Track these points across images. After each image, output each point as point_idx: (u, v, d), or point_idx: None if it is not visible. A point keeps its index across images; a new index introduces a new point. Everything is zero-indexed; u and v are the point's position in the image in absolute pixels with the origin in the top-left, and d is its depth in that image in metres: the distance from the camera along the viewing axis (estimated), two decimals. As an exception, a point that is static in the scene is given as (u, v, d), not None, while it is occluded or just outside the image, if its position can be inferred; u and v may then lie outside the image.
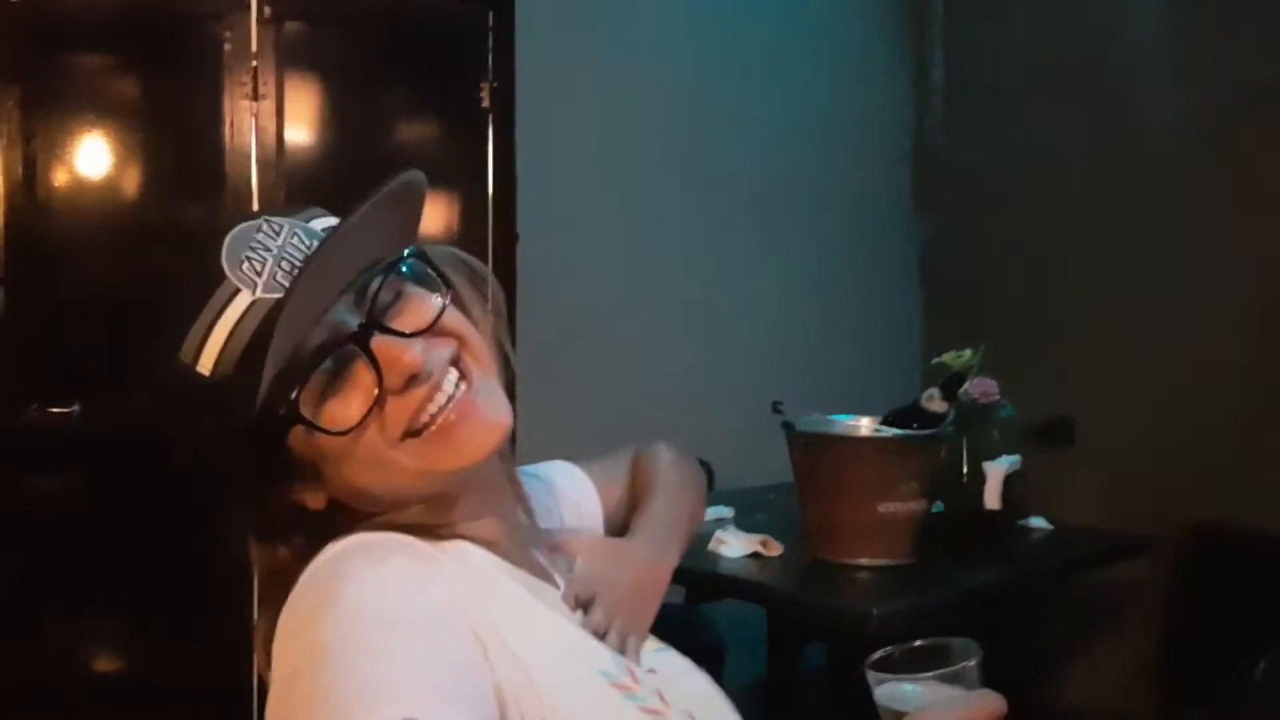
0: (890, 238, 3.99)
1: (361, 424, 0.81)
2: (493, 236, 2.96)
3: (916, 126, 4.04)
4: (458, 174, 2.97)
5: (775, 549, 2.21)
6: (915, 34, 4.01)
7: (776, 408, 2.05)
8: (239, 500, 0.89)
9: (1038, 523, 2.57)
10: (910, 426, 2.07)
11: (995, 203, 3.74)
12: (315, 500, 0.86)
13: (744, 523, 2.36)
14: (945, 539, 2.23)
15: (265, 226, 0.84)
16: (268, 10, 2.74)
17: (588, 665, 0.85)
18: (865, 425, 2.14)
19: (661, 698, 0.87)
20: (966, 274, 3.81)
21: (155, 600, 2.64)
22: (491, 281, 0.96)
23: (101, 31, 2.66)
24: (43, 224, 2.62)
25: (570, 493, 1.18)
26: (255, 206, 2.73)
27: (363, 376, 0.81)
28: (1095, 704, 3.10)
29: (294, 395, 0.79)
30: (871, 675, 0.86)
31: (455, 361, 0.85)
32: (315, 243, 0.84)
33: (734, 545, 2.20)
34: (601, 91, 3.29)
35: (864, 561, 2.09)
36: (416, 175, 0.85)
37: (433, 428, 0.83)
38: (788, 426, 2.11)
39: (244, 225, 0.84)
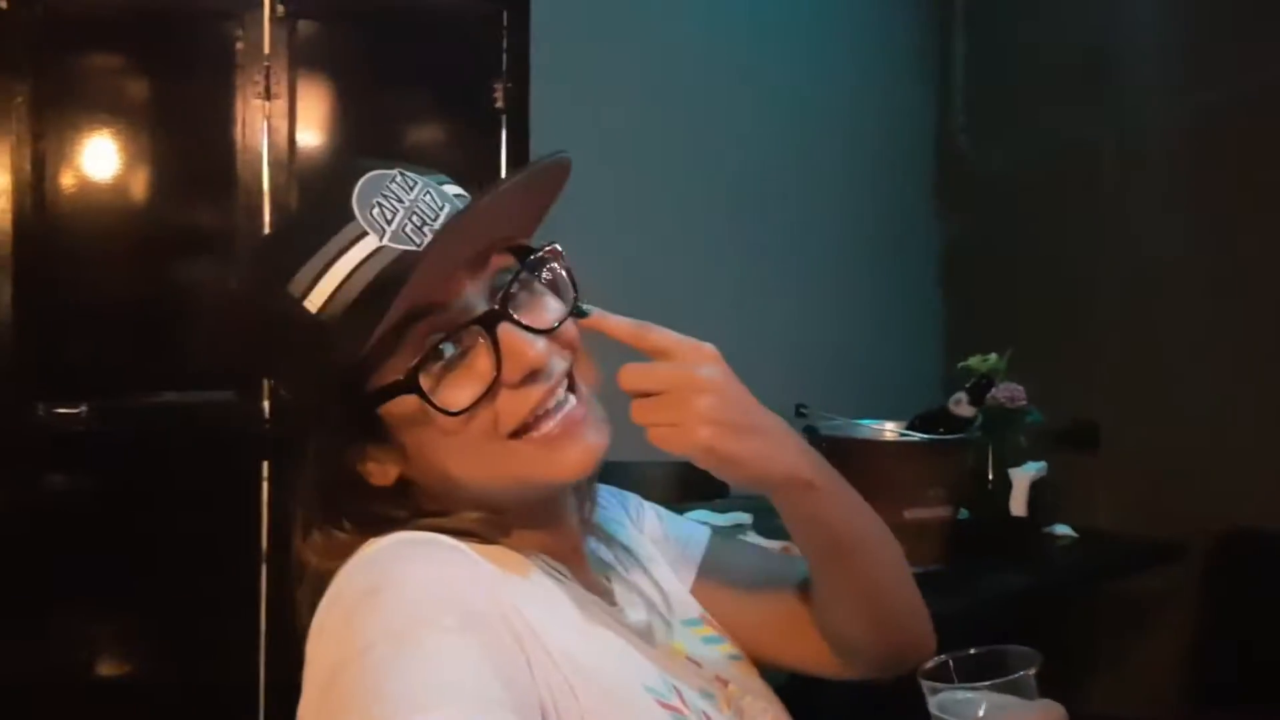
0: (913, 240, 3.94)
1: (473, 409, 0.78)
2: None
3: (939, 127, 4.00)
4: (470, 175, 2.89)
5: (797, 555, 2.16)
6: (938, 34, 3.97)
7: (800, 411, 2.00)
8: (308, 451, 0.84)
9: (1063, 530, 2.52)
10: (936, 431, 2.03)
11: (1020, 204, 3.68)
12: (383, 474, 0.83)
13: (764, 528, 2.31)
14: (971, 545, 2.18)
15: (400, 178, 0.82)
16: (281, 9, 2.72)
17: (634, 679, 0.82)
18: (890, 429, 2.09)
19: (707, 717, 0.84)
20: (990, 276, 3.76)
21: (163, 601, 2.62)
22: None
23: (112, 29, 2.65)
24: (52, 223, 2.60)
25: (656, 526, 1.08)
26: (266, 207, 2.71)
27: (480, 362, 0.78)
28: (1124, 712, 3.04)
29: (415, 364, 0.77)
30: (926, 684, 0.83)
31: (568, 376, 0.83)
32: (447, 205, 0.82)
33: (754, 552, 2.15)
34: (617, 91, 3.25)
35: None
36: (565, 159, 0.81)
37: (537, 434, 0.80)
38: (811, 430, 2.06)
39: (378, 172, 0.81)
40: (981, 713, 0.79)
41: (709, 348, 0.82)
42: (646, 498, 1.13)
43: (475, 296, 0.79)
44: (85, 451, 2.62)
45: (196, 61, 2.72)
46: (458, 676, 0.65)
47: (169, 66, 2.70)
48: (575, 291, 0.84)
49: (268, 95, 2.71)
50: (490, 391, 0.78)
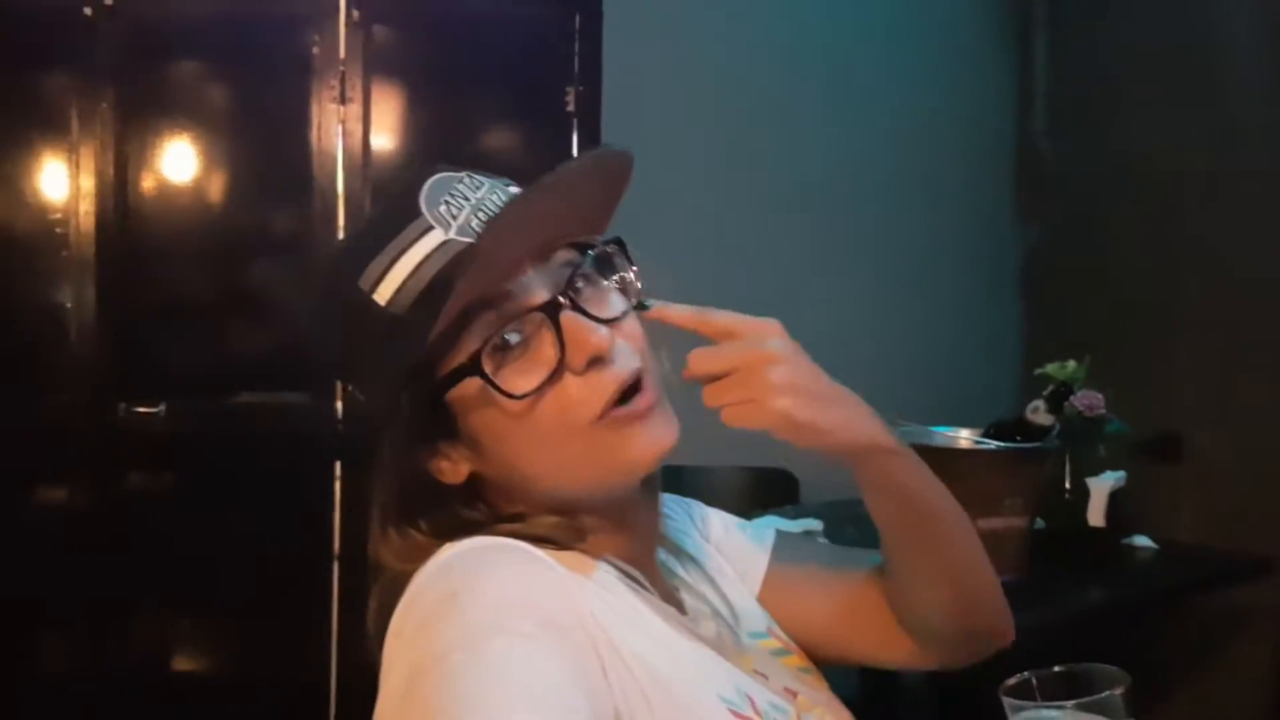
0: (993, 244, 3.88)
1: (537, 392, 0.78)
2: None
3: (1020, 129, 3.93)
4: (543, 179, 2.94)
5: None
6: (1020, 34, 3.90)
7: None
8: (382, 448, 0.85)
9: (1143, 541, 2.46)
10: (1014, 439, 1.98)
11: (1101, 208, 3.60)
12: (454, 472, 0.84)
13: (835, 536, 2.28)
14: (1048, 556, 2.14)
15: (467, 180, 0.84)
16: (356, 14, 2.74)
17: (707, 688, 0.81)
18: (966, 437, 2.04)
19: None
20: (1071, 282, 3.68)
21: (237, 600, 2.65)
22: None
23: (192, 36, 2.70)
24: (133, 226, 2.66)
25: (723, 536, 1.06)
26: (341, 211, 2.74)
27: (545, 349, 0.79)
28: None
29: (479, 349, 0.77)
30: (1008, 702, 0.80)
31: (638, 377, 0.82)
32: None
33: (825, 560, 2.12)
34: (689, 95, 3.24)
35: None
36: (627, 151, 0.82)
37: (609, 420, 0.80)
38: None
39: (446, 174, 0.84)
40: None
41: (773, 322, 0.82)
42: (719, 505, 1.11)
43: (540, 287, 0.80)
44: (163, 451, 2.67)
45: (274, 67, 2.76)
46: (534, 683, 0.65)
47: (247, 72, 2.75)
48: (638, 285, 0.84)
49: (343, 100, 2.74)
50: (554, 377, 0.78)
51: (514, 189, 0.86)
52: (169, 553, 2.60)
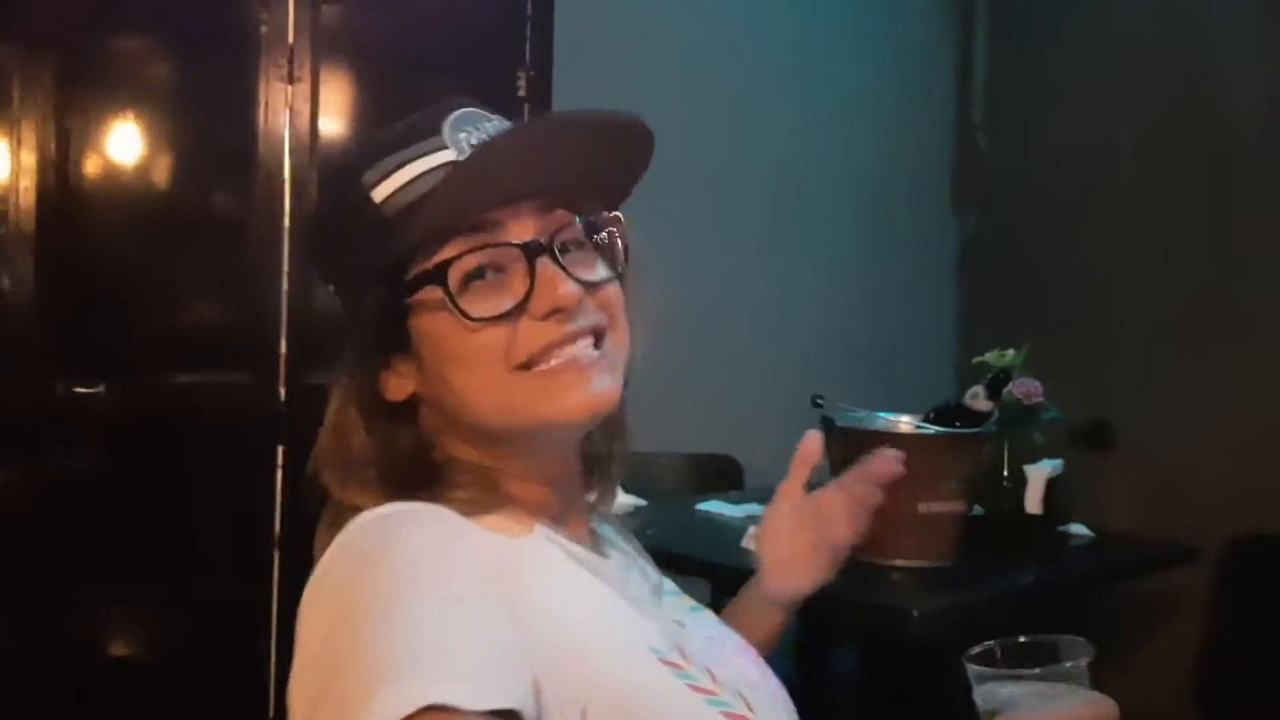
0: (931, 235, 3.94)
1: (492, 320, 0.80)
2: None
3: (958, 122, 3.98)
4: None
5: None
6: (959, 30, 3.95)
7: (816, 401, 2.00)
8: (344, 350, 0.87)
9: (1078, 529, 2.51)
10: (953, 425, 2.02)
11: (1037, 201, 3.67)
12: (400, 388, 0.86)
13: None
14: (984, 542, 2.17)
15: (498, 121, 0.87)
16: (306, -8, 2.72)
17: (635, 640, 0.82)
18: (906, 422, 2.08)
19: (712, 676, 0.84)
20: (1006, 274, 3.75)
21: (175, 582, 2.62)
22: None
23: (137, 8, 2.65)
24: (74, 202, 2.60)
25: None
26: (287, 190, 2.71)
27: (514, 285, 0.81)
28: (1135, 716, 3.03)
29: (449, 257, 0.79)
30: (971, 669, 0.81)
31: (598, 333, 0.85)
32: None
33: (767, 543, 2.14)
34: (640, 82, 3.23)
35: (901, 562, 2.03)
36: (642, 125, 0.85)
37: (543, 368, 0.81)
38: (827, 421, 2.06)
39: (479, 111, 0.87)
40: (1027, 701, 0.77)
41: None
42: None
43: (528, 229, 0.82)
44: (102, 431, 2.63)
45: (220, 43, 2.72)
46: (445, 640, 0.66)
47: (193, 47, 2.70)
48: (626, 262, 0.87)
49: (291, 79, 2.71)
50: (512, 314, 0.80)
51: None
52: (106, 534, 2.57)
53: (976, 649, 0.83)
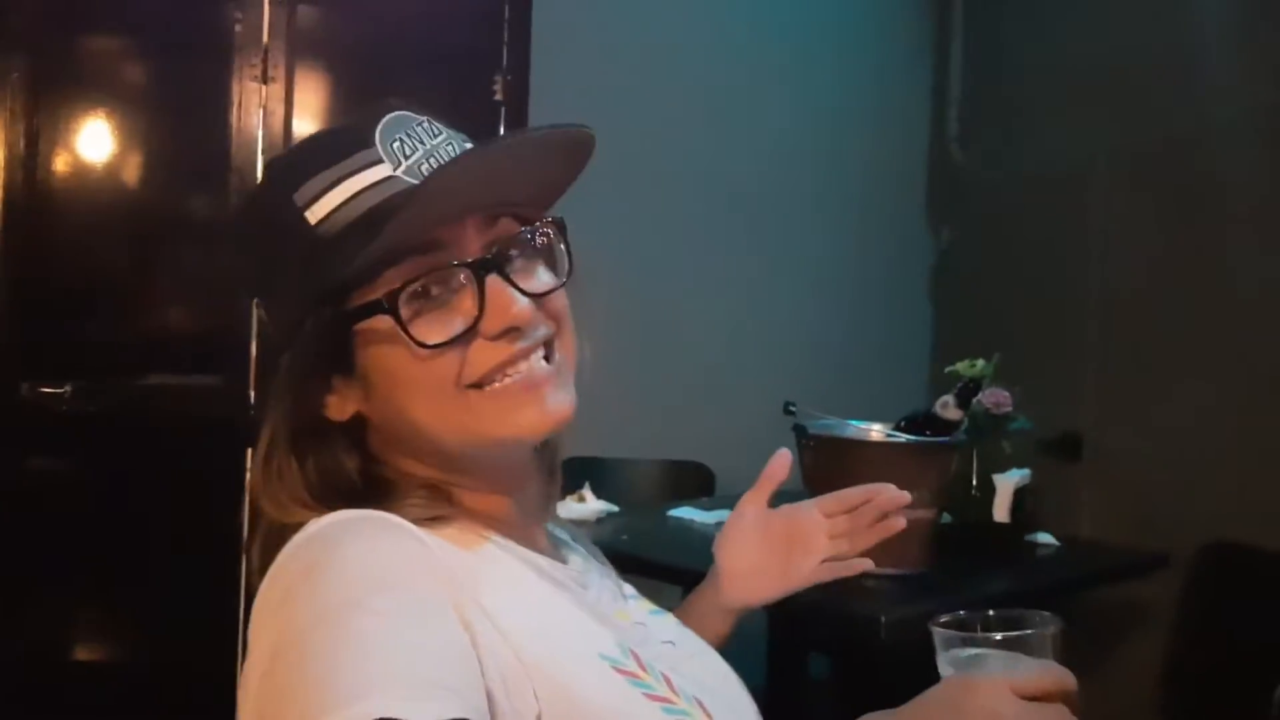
0: (904, 247, 3.96)
1: (443, 347, 0.78)
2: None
3: (933, 136, 4.01)
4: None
5: None
6: (935, 43, 3.98)
7: (789, 409, 2.01)
8: (280, 373, 0.84)
9: (1045, 538, 2.52)
10: (923, 433, 2.03)
11: (1010, 216, 3.70)
12: (341, 408, 0.83)
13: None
14: (953, 549, 2.18)
15: (428, 124, 0.84)
16: (281, -7, 2.71)
17: (588, 648, 0.81)
18: (877, 430, 2.09)
19: (669, 683, 0.83)
20: (979, 286, 3.77)
21: (142, 585, 2.60)
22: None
23: (110, 7, 2.63)
24: (43, 201, 2.58)
25: None
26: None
27: (464, 306, 0.79)
28: (1101, 722, 3.06)
29: (398, 288, 0.77)
30: (937, 634, 0.81)
31: (547, 344, 0.83)
32: None
33: (738, 549, 2.14)
34: (616, 88, 3.25)
35: (871, 570, 2.04)
36: (588, 133, 0.83)
37: (496, 387, 0.80)
38: (799, 429, 2.07)
39: (406, 113, 0.84)
40: (989, 665, 0.78)
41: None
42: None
43: (474, 246, 0.80)
44: (68, 432, 2.61)
45: (194, 43, 2.71)
46: (392, 659, 0.64)
47: (166, 47, 2.69)
48: (571, 268, 0.85)
49: (265, 79, 2.70)
50: (465, 336, 0.79)
51: (469, 145, 0.86)
52: (72, 536, 2.54)
53: (944, 617, 0.83)
